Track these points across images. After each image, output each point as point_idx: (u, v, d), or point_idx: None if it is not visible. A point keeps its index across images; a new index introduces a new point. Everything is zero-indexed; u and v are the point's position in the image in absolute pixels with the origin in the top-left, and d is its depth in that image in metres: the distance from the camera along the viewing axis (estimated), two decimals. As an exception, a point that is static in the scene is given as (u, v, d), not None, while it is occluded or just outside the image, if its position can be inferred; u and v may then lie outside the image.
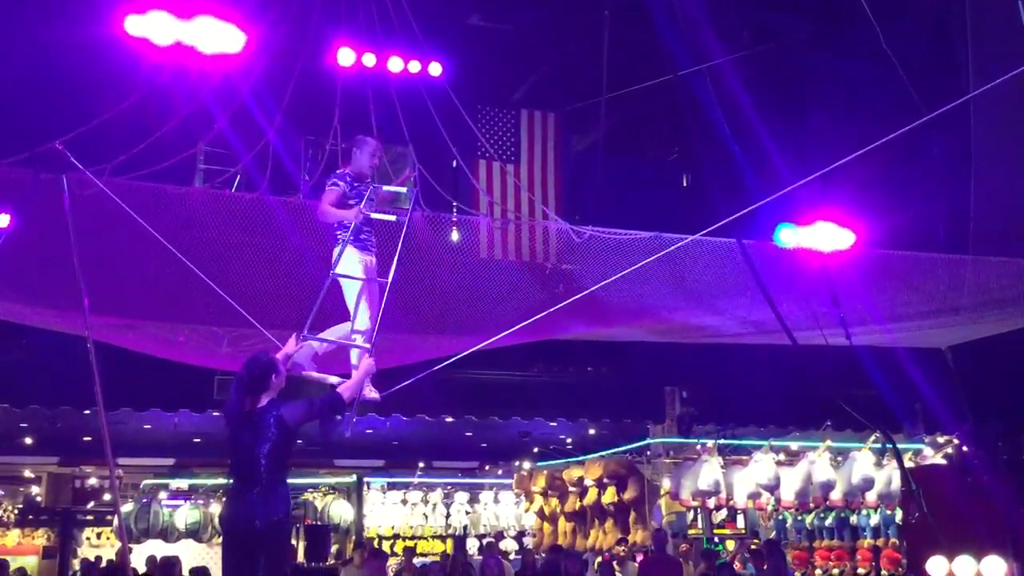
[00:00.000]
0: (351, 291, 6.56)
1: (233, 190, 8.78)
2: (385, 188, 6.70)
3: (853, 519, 15.68)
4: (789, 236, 8.81)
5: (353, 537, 18.01)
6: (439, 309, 9.10)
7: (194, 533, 16.68)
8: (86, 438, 16.33)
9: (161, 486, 17.37)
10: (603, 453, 16.02)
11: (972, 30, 10.84)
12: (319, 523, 17.68)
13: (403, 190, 6.83)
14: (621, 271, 8.26)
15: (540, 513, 17.84)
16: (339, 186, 6.64)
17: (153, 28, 7.96)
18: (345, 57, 9.26)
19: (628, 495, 14.98)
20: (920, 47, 11.40)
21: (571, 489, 16.57)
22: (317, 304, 6.34)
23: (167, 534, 16.43)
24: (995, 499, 9.73)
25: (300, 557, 16.87)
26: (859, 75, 12.11)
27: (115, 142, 7.40)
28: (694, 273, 8.97)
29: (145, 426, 15.33)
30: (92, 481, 19.35)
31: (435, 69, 9.60)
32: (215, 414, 13.47)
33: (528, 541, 18.98)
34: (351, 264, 6.54)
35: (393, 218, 6.78)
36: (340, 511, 18.04)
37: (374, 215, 6.62)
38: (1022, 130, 9.65)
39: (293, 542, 17.20)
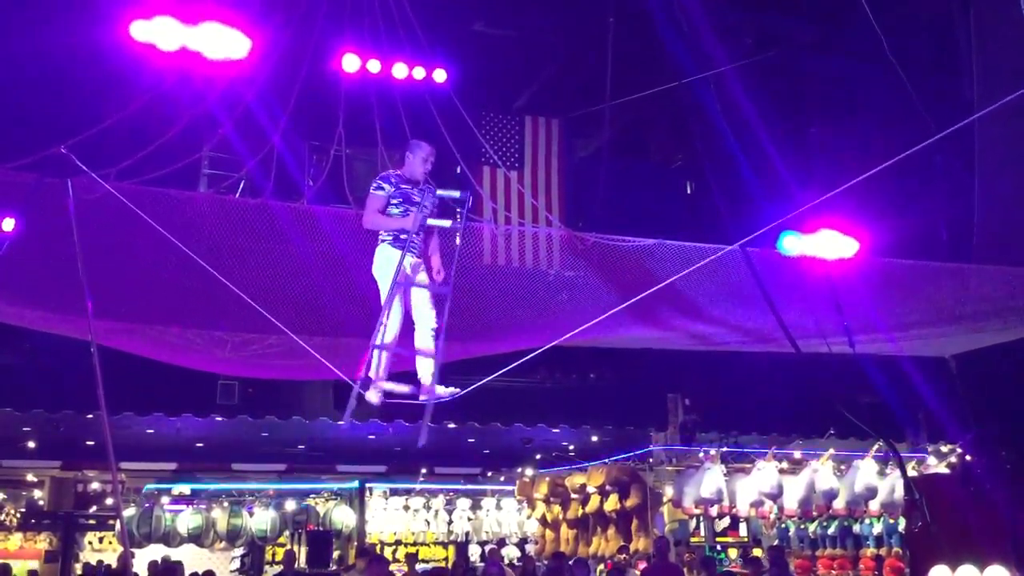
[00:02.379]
0: (381, 289, 6.39)
1: (237, 195, 8.79)
2: (439, 192, 6.52)
3: (856, 528, 15.63)
4: (793, 244, 8.80)
5: (355, 543, 17.99)
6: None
7: (196, 538, 16.68)
8: (89, 442, 16.37)
9: (163, 490, 17.38)
10: (606, 460, 15.98)
11: (976, 35, 10.84)
12: (321, 529, 17.67)
13: (456, 193, 6.61)
14: (624, 278, 8.25)
15: (542, 520, 17.80)
16: (384, 190, 6.40)
17: (159, 33, 7.98)
18: (350, 63, 9.28)
19: (630, 502, 14.94)
20: (924, 52, 11.41)
21: (573, 496, 16.53)
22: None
23: (169, 539, 16.42)
24: (998, 508, 9.70)
25: (302, 563, 16.89)
26: (862, 80, 12.11)
27: (120, 147, 7.40)
28: (698, 279, 8.95)
29: (148, 430, 15.37)
30: (94, 485, 19.38)
31: (439, 75, 9.61)
32: (218, 418, 13.51)
33: (530, 548, 18.94)
34: (383, 262, 6.37)
35: (448, 223, 6.59)
36: (342, 517, 18.03)
37: (431, 221, 6.43)
38: (1026, 138, 9.64)
39: (295, 548, 17.22)
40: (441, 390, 6.32)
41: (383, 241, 6.37)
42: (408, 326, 6.44)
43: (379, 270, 6.38)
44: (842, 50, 12.19)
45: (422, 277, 6.53)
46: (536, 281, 9.50)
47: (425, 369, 6.35)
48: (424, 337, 6.36)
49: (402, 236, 6.33)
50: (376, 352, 6.29)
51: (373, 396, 6.31)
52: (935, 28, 11.93)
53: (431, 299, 6.42)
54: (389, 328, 6.26)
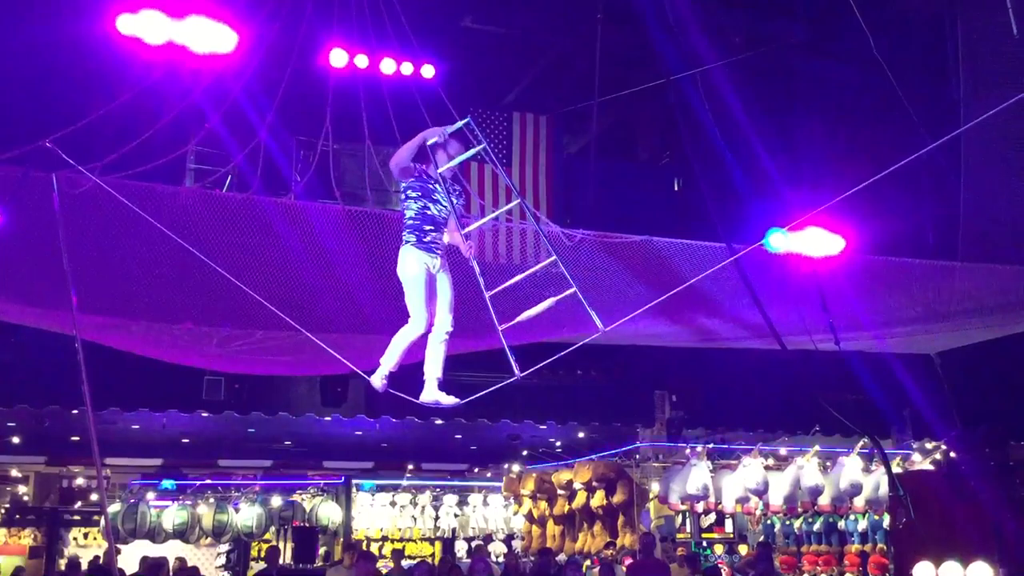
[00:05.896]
0: (408, 292, 6.35)
1: (224, 190, 8.76)
2: (446, 167, 6.37)
3: (841, 524, 15.71)
4: (779, 241, 8.81)
5: (341, 539, 17.97)
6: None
7: (181, 534, 16.62)
8: (74, 438, 16.28)
9: (149, 486, 17.32)
10: (592, 456, 16.02)
11: (963, 37, 10.88)
12: (307, 525, 17.64)
13: (471, 153, 6.55)
14: (612, 275, 8.25)
15: (529, 516, 17.82)
16: (416, 175, 6.30)
17: (145, 27, 7.91)
18: (338, 58, 9.25)
19: (617, 499, 14.98)
20: (911, 53, 11.44)
21: (560, 492, 16.56)
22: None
23: (154, 535, 16.37)
24: (982, 505, 9.78)
25: (288, 559, 16.86)
26: (850, 80, 12.15)
27: (106, 141, 7.35)
28: (684, 276, 8.97)
29: (133, 426, 15.29)
30: (79, 481, 19.29)
31: (428, 71, 9.59)
32: (204, 414, 13.47)
33: (517, 544, 18.97)
34: (410, 265, 6.31)
35: (466, 155, 6.51)
36: (328, 513, 18.00)
37: (443, 167, 6.33)
38: (1012, 137, 9.69)
39: (280, 544, 17.20)
40: (444, 398, 6.41)
41: (407, 243, 6.35)
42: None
43: (404, 271, 6.37)
44: (831, 51, 12.22)
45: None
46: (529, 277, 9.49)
47: (432, 370, 6.42)
48: (438, 339, 6.42)
49: (426, 239, 6.33)
50: (396, 344, 6.37)
51: (378, 381, 6.38)
52: (923, 31, 11.97)
53: (449, 303, 6.45)
54: (415, 325, 6.33)
